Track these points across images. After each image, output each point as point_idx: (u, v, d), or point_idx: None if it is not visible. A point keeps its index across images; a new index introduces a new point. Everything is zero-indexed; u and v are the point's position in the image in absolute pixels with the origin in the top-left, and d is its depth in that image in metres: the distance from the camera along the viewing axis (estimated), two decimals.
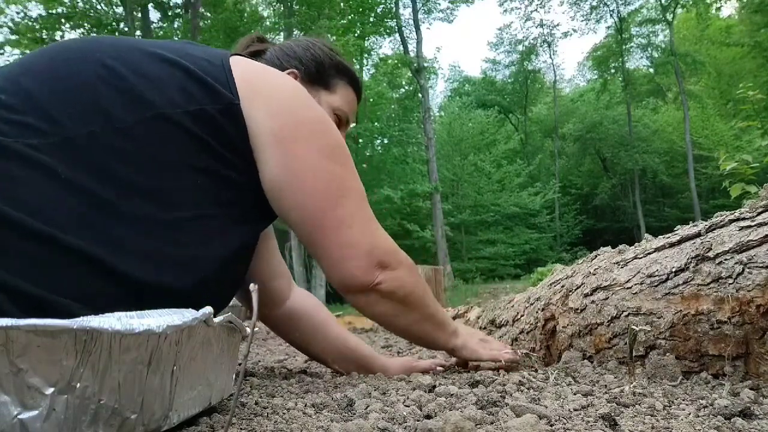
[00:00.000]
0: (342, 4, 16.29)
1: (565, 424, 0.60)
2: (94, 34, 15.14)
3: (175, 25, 15.90)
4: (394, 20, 18.66)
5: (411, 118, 21.86)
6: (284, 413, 0.68)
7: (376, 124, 21.40)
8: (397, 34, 19.77)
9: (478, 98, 27.61)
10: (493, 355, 1.07)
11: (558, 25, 44.65)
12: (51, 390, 0.42)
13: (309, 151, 0.81)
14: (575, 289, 1.17)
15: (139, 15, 15.24)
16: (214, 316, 0.57)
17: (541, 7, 26.04)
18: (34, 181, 0.61)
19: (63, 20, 14.12)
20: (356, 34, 17.39)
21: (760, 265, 0.76)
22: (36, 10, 14.10)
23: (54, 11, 13.75)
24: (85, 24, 14.76)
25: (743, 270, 0.78)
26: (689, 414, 0.63)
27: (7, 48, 13.63)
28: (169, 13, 16.36)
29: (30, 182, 0.60)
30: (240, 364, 0.89)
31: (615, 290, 1.03)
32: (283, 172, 0.79)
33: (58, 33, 14.08)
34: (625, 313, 0.98)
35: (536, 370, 1.03)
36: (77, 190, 0.62)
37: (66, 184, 0.62)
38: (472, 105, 25.58)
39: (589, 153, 25.77)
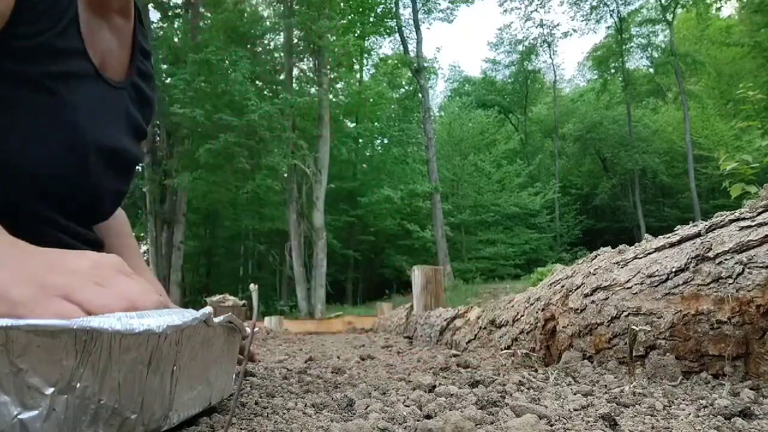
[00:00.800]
0: (342, 4, 16.31)
1: (565, 424, 0.60)
2: None
3: (175, 25, 15.90)
4: (394, 20, 18.68)
5: (411, 118, 21.88)
6: (284, 413, 0.68)
7: (376, 124, 21.43)
8: (397, 34, 19.81)
9: (478, 98, 27.64)
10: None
11: (558, 25, 44.76)
12: (51, 390, 0.42)
13: None
14: (575, 289, 1.17)
15: None
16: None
17: (541, 7, 26.11)
18: None
19: None
20: (356, 34, 17.41)
21: (760, 265, 0.76)
22: None
23: None
24: None
25: (743, 270, 0.78)
26: (689, 414, 0.63)
27: None
28: (169, 13, 16.37)
29: None
30: (240, 364, 0.89)
31: (615, 290, 1.03)
32: None
33: None
34: (625, 313, 0.98)
35: (536, 370, 1.03)
36: None
37: None
38: (472, 105, 25.60)
39: (589, 153, 25.79)
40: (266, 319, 6.02)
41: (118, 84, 0.77)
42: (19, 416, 0.40)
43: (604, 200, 24.57)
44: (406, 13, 20.08)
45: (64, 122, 0.67)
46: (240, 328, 0.71)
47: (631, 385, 0.80)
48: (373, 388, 0.85)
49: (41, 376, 0.41)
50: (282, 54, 16.15)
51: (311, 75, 17.08)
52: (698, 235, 0.91)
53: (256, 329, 0.59)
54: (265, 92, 16.54)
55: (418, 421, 0.62)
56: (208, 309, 0.56)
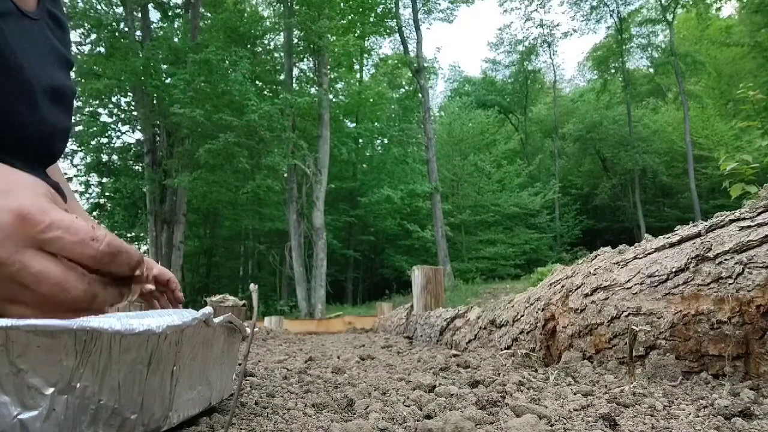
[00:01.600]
0: (342, 4, 16.29)
1: (565, 424, 0.60)
2: (94, 35, 15.16)
3: (175, 25, 15.91)
4: (394, 20, 18.66)
5: (411, 118, 21.87)
6: (284, 413, 0.68)
7: (376, 124, 21.42)
8: (397, 34, 19.78)
9: (478, 98, 27.62)
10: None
11: (558, 25, 44.68)
12: (51, 390, 0.42)
13: None
14: (575, 289, 1.17)
15: (139, 15, 15.25)
16: None
17: (541, 7, 26.05)
18: None
19: None
20: (356, 34, 17.39)
21: (760, 265, 0.76)
22: None
23: None
24: (85, 24, 14.77)
25: (743, 270, 0.78)
26: (689, 414, 0.63)
27: None
28: (169, 13, 16.37)
29: None
30: (240, 364, 0.89)
31: (615, 290, 1.03)
32: None
33: None
34: (625, 313, 0.98)
35: (536, 370, 1.03)
36: None
37: None
38: (472, 105, 25.58)
39: (589, 153, 25.78)
40: (266, 319, 6.01)
41: (35, 15, 0.75)
42: (19, 416, 0.40)
43: (604, 200, 24.56)
44: (406, 13, 20.09)
45: (10, 67, 0.66)
46: (240, 328, 0.71)
47: (631, 385, 0.80)
48: (373, 388, 0.85)
49: (41, 376, 0.41)
50: (282, 54, 16.15)
51: (311, 75, 17.09)
52: (698, 235, 0.91)
53: (256, 329, 0.59)
54: (265, 92, 16.55)
55: (418, 421, 0.62)
56: (208, 309, 0.56)
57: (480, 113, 24.45)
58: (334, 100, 17.64)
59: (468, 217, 20.85)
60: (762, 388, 0.73)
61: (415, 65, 18.64)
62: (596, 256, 1.25)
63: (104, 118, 16.77)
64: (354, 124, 21.39)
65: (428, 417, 0.64)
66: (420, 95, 19.47)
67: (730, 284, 0.80)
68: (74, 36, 15.12)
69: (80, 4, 14.44)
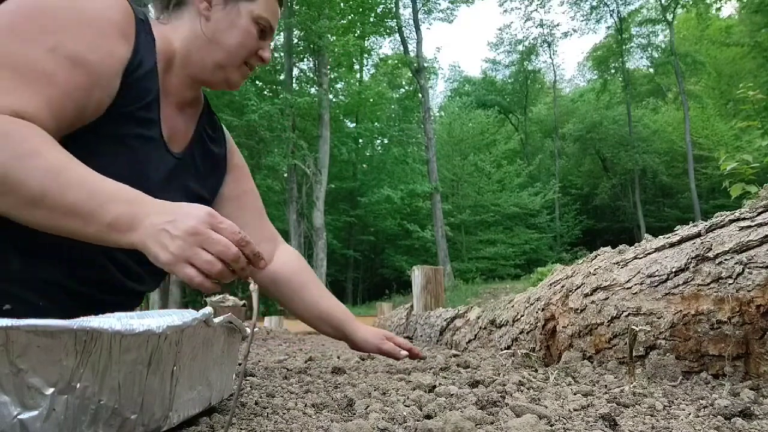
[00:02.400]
0: (342, 4, 16.30)
1: (565, 424, 0.60)
2: None
3: None
4: (394, 20, 18.66)
5: (411, 118, 21.88)
6: (284, 413, 0.68)
7: (376, 124, 21.42)
8: (397, 34, 19.78)
9: (478, 98, 27.62)
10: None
11: (558, 25, 44.75)
12: (51, 390, 0.42)
13: None
14: (575, 289, 1.17)
15: None
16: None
17: (541, 7, 26.09)
18: None
19: None
20: (356, 34, 17.40)
21: (760, 265, 0.76)
22: None
23: None
24: None
25: (743, 270, 0.78)
26: (689, 414, 0.63)
27: None
28: None
29: None
30: (240, 364, 0.89)
31: (615, 290, 1.03)
32: None
33: None
34: (625, 313, 0.98)
35: (536, 370, 1.03)
36: None
37: None
38: (472, 105, 25.59)
39: (589, 153, 25.79)
40: (266, 319, 6.01)
41: (177, 155, 0.94)
42: (19, 416, 0.40)
43: (604, 200, 24.57)
44: (406, 13, 20.09)
45: (133, 166, 0.83)
46: (240, 328, 0.71)
47: (631, 385, 0.80)
48: (373, 388, 0.85)
49: (41, 377, 0.41)
50: (282, 54, 16.16)
51: (311, 75, 17.09)
52: (698, 235, 0.91)
53: (256, 329, 0.59)
54: (265, 92, 16.55)
55: (418, 421, 0.62)
56: (208, 309, 0.56)
57: (480, 113, 24.45)
58: (334, 100, 17.64)
59: (468, 217, 20.85)
60: (762, 388, 0.73)
61: (415, 65, 18.64)
62: (596, 256, 1.25)
63: None
64: (354, 124, 21.40)
65: (428, 417, 0.64)
66: (420, 95, 19.48)
67: (730, 284, 0.80)
68: None
69: None
